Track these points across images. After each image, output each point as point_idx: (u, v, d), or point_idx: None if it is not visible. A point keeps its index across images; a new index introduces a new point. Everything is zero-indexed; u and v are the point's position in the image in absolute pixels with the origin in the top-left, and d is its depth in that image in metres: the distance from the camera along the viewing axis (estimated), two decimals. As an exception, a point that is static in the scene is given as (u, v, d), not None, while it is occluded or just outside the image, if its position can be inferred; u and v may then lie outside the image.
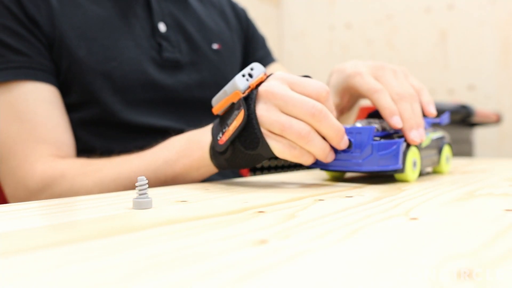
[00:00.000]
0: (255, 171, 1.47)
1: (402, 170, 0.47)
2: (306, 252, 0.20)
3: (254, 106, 0.43)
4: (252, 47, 0.86)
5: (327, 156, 0.44)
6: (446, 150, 0.58)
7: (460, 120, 1.48)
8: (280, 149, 0.43)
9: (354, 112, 0.65)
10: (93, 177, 0.53)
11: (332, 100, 0.56)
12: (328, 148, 0.44)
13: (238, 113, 0.43)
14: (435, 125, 0.64)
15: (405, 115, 0.48)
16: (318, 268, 0.18)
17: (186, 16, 0.74)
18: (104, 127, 0.63)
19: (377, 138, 0.47)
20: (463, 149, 1.60)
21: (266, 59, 0.87)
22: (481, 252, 0.20)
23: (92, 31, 0.63)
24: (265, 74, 0.45)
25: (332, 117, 0.42)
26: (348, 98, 0.56)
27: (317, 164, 0.50)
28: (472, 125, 1.66)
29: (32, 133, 0.57)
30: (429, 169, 0.59)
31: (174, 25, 0.71)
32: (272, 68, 0.86)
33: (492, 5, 2.12)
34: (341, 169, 0.47)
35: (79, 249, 0.21)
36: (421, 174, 0.56)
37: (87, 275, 0.17)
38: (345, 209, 0.31)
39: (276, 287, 0.16)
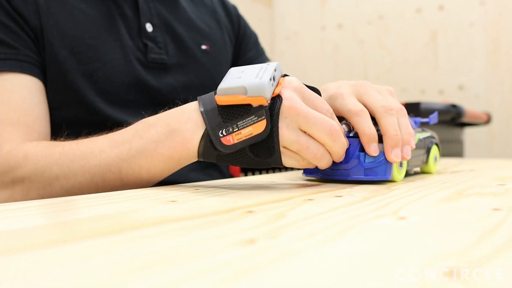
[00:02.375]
0: (246, 171, 1.47)
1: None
2: (295, 252, 0.20)
3: (277, 120, 0.41)
4: (243, 47, 0.86)
5: (327, 164, 0.46)
6: (434, 150, 0.58)
7: (450, 120, 1.49)
8: (290, 163, 0.44)
9: None
10: (59, 161, 0.49)
11: None
12: (331, 162, 0.46)
13: (258, 121, 0.41)
14: (424, 125, 0.64)
15: (390, 131, 0.46)
16: (307, 268, 0.18)
17: (175, 16, 0.74)
18: (91, 126, 0.62)
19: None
20: (454, 149, 1.61)
21: (259, 59, 0.87)
22: (468, 252, 0.20)
23: (77, 30, 0.62)
24: (283, 77, 0.44)
25: (343, 136, 0.44)
26: None
27: (305, 172, 0.51)
28: (463, 125, 1.67)
29: (3, 115, 0.56)
30: (417, 169, 0.60)
31: (162, 25, 0.71)
32: None
33: (482, 5, 2.13)
34: (329, 177, 0.48)
35: (68, 249, 0.21)
36: (409, 174, 0.56)
37: (76, 276, 0.17)
38: (335, 208, 0.31)
39: (265, 287, 0.16)
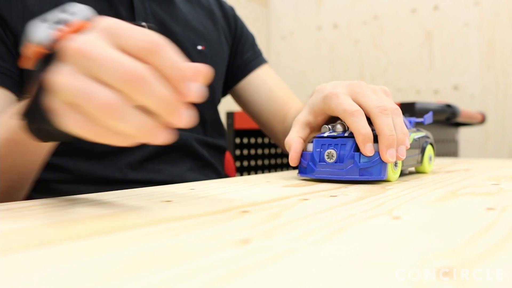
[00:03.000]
0: (242, 171, 1.47)
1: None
2: (289, 252, 0.20)
3: (49, 64, 0.30)
4: (240, 48, 0.86)
5: (156, 135, 0.30)
6: (429, 150, 0.59)
7: (445, 120, 1.49)
8: (73, 125, 0.30)
9: None
10: None
11: (306, 118, 0.55)
12: (154, 125, 0.30)
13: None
14: (418, 125, 0.64)
15: (385, 131, 0.46)
16: (301, 268, 0.18)
17: (171, 16, 0.74)
18: None
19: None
20: (449, 149, 1.61)
21: (255, 60, 0.86)
22: (462, 251, 0.20)
23: None
24: (87, 21, 0.32)
25: (156, 83, 0.29)
26: (323, 118, 0.54)
27: (300, 172, 0.51)
28: (458, 125, 1.68)
29: None
30: (411, 169, 0.60)
31: (158, 25, 0.71)
32: (261, 71, 0.86)
33: (476, 6, 2.14)
34: (324, 177, 0.48)
35: (63, 249, 0.21)
36: (403, 173, 0.57)
37: (70, 275, 0.17)
38: (329, 208, 0.31)
39: (258, 287, 0.16)
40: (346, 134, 0.48)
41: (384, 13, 2.36)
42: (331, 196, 0.38)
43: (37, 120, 0.32)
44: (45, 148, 0.44)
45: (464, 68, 2.17)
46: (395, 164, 0.49)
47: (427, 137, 0.59)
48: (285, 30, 2.67)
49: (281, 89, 0.86)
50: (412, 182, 0.48)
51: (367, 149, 0.46)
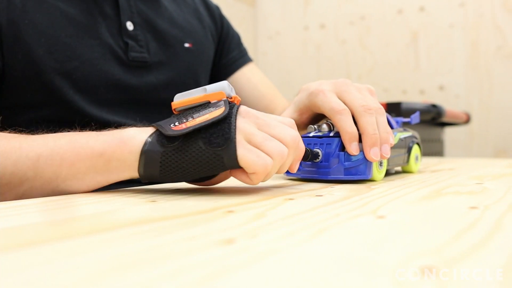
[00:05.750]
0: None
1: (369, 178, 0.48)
2: (273, 251, 0.20)
3: (236, 115, 0.39)
4: (226, 47, 0.86)
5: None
6: (416, 150, 0.59)
7: (431, 120, 1.50)
8: (249, 158, 0.38)
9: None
10: None
11: (291, 116, 0.55)
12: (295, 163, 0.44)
13: (215, 110, 0.39)
14: (405, 124, 0.65)
15: (368, 130, 0.47)
16: (284, 267, 0.18)
17: (157, 14, 0.73)
18: (72, 125, 0.62)
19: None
20: (434, 149, 1.63)
21: (241, 59, 0.86)
22: (444, 250, 0.20)
23: (54, 29, 0.61)
24: (238, 100, 0.43)
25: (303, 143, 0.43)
26: (308, 115, 0.55)
27: (286, 172, 0.51)
28: (443, 124, 1.69)
29: None
30: (398, 168, 0.60)
31: (143, 23, 0.70)
32: (246, 69, 0.86)
33: (461, 7, 2.16)
34: (310, 177, 0.48)
35: (44, 250, 0.21)
36: (389, 173, 0.57)
37: (52, 276, 0.17)
38: (315, 208, 0.31)
39: (242, 287, 0.16)
40: (331, 134, 0.48)
41: (371, 13, 2.37)
42: (316, 195, 0.38)
43: (215, 140, 0.38)
44: (126, 176, 0.41)
45: (449, 68, 2.19)
46: (380, 164, 0.50)
47: (413, 137, 0.59)
48: (272, 30, 2.67)
49: (267, 87, 0.86)
50: (397, 181, 0.49)
51: (353, 148, 0.47)
